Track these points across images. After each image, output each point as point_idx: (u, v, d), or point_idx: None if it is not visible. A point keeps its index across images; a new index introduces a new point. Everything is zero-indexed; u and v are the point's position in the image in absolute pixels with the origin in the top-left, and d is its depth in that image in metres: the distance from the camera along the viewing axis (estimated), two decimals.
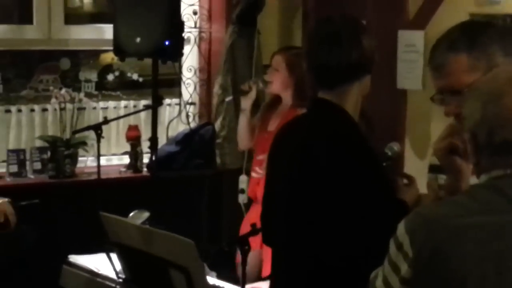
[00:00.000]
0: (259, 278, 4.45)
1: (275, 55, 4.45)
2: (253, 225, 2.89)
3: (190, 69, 5.63)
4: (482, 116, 1.79)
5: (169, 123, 5.61)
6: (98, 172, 4.64)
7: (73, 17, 5.58)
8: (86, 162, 5.34)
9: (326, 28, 2.64)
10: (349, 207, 2.44)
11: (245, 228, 4.48)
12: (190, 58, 5.60)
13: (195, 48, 5.65)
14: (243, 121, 4.51)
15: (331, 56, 2.55)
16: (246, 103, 4.41)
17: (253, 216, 4.45)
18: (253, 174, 4.52)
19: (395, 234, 1.82)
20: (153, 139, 4.90)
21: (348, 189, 2.44)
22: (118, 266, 3.14)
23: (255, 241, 4.36)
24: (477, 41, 2.14)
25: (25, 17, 5.40)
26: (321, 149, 2.49)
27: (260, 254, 4.45)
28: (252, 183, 4.55)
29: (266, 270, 4.40)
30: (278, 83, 4.37)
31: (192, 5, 5.56)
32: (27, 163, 5.16)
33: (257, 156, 4.53)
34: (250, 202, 4.65)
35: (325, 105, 2.60)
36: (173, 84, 5.73)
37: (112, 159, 5.56)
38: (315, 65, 2.62)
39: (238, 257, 4.37)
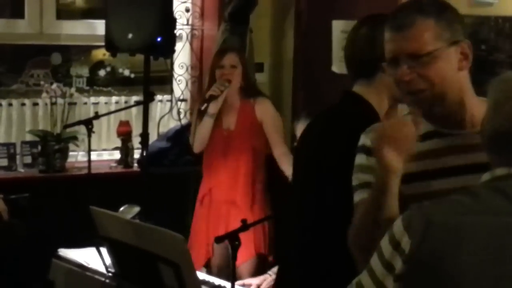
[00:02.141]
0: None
1: (225, 54, 4.51)
2: (244, 221, 2.90)
3: (182, 66, 5.64)
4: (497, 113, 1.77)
5: (160, 119, 5.62)
6: (89, 167, 4.64)
7: (65, 12, 5.58)
8: (76, 157, 5.34)
9: (362, 28, 2.74)
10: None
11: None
12: (182, 55, 5.61)
13: (187, 45, 5.66)
14: (209, 124, 4.48)
15: (363, 51, 2.63)
16: (216, 107, 4.44)
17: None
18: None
19: (390, 232, 1.76)
20: (144, 135, 4.90)
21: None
22: (108, 260, 3.15)
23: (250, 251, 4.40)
24: (446, 11, 2.14)
25: (17, 12, 5.39)
26: (342, 138, 2.52)
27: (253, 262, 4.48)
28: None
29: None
30: (237, 79, 4.49)
31: (185, 2, 5.57)
32: (17, 157, 5.16)
33: (213, 158, 4.55)
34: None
35: (351, 97, 2.68)
36: (165, 81, 5.73)
37: (103, 154, 5.56)
38: (351, 59, 2.71)
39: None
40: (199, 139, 4.52)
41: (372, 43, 2.53)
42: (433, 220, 1.70)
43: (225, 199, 4.49)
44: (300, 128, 3.91)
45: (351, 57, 2.68)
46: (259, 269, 4.38)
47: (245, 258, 4.35)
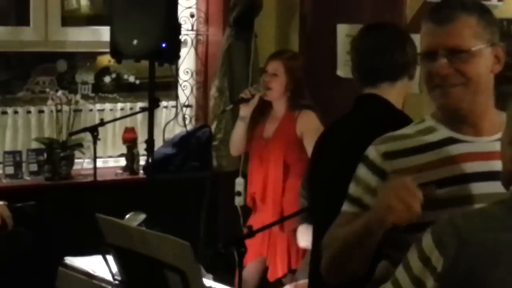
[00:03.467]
0: (261, 285, 4.44)
1: (270, 60, 4.45)
2: (250, 227, 2.90)
3: (187, 71, 5.64)
4: None
5: (165, 126, 5.61)
6: (95, 174, 4.64)
7: (70, 19, 5.59)
8: (82, 164, 5.34)
9: (378, 34, 2.84)
10: None
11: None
12: (187, 60, 5.61)
13: (192, 51, 5.66)
14: (241, 128, 4.45)
15: (380, 59, 2.75)
16: (247, 110, 4.39)
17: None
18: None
19: (419, 247, 1.72)
20: (150, 141, 4.90)
21: None
22: (114, 268, 3.14)
23: (257, 248, 4.37)
24: (488, 12, 2.17)
25: (22, 19, 5.40)
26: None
27: (261, 262, 4.44)
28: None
29: (274, 274, 4.39)
30: (277, 88, 4.40)
31: (189, 8, 5.57)
32: (23, 164, 5.16)
33: (252, 164, 4.52)
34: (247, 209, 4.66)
35: (372, 98, 2.77)
36: (170, 87, 5.73)
37: (109, 161, 5.55)
38: (364, 66, 2.82)
39: None
40: (233, 143, 4.52)
41: (403, 48, 2.74)
42: (467, 239, 1.64)
43: (258, 208, 4.47)
44: None
45: (362, 67, 2.78)
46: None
47: (280, 274, 4.33)
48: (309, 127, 4.31)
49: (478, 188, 2.08)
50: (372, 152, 2.18)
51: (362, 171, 2.19)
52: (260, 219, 4.32)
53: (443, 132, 2.14)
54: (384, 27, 2.93)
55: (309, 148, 4.24)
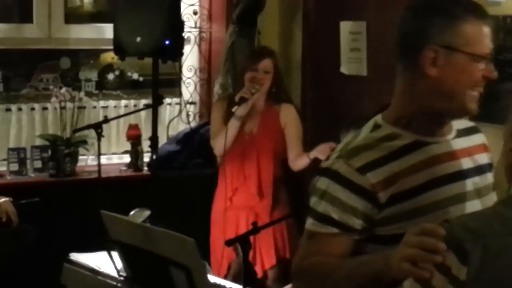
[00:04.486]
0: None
1: (262, 59, 4.48)
2: (254, 224, 2.90)
3: (190, 68, 5.65)
4: None
5: (169, 122, 5.62)
6: (99, 171, 4.65)
7: (73, 16, 5.60)
8: (86, 161, 5.35)
9: None
10: None
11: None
12: (190, 57, 5.62)
13: (195, 48, 5.66)
14: (236, 127, 4.46)
15: None
16: (245, 109, 4.41)
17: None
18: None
19: None
20: (154, 138, 4.91)
21: None
22: (119, 264, 3.15)
23: None
24: None
25: (26, 16, 5.41)
26: None
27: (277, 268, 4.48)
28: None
29: (261, 266, 4.42)
30: (267, 85, 4.47)
31: (192, 5, 5.57)
32: (28, 161, 5.17)
33: (233, 160, 4.52)
34: None
35: None
36: (174, 84, 5.74)
37: (113, 158, 5.57)
38: None
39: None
40: (224, 142, 4.45)
41: None
42: (492, 244, 1.59)
43: (245, 204, 4.47)
44: None
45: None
46: (283, 275, 4.38)
47: (267, 265, 4.36)
48: (291, 119, 4.52)
49: (454, 188, 2.07)
50: (343, 167, 2.04)
51: (333, 187, 2.04)
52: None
53: (407, 137, 2.08)
54: None
55: (289, 139, 4.48)
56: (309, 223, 2.09)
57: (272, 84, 4.49)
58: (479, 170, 2.16)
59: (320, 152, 4.24)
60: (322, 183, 2.07)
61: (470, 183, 2.11)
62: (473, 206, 2.08)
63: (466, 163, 2.12)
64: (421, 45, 2.03)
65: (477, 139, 2.22)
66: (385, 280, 1.83)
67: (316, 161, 4.29)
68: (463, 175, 2.10)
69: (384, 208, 2.01)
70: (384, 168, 2.02)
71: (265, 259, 4.42)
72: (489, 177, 2.20)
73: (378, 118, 2.14)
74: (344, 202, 2.02)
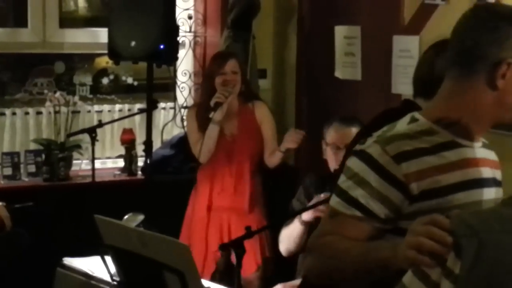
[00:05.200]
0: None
1: (227, 61, 4.51)
2: (248, 228, 2.90)
3: (185, 73, 5.65)
4: None
5: (163, 127, 5.62)
6: (93, 175, 4.64)
7: (68, 20, 5.59)
8: (80, 165, 5.34)
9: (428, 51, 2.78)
10: None
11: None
12: (185, 62, 5.62)
13: (190, 52, 5.66)
14: (216, 132, 4.46)
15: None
16: (221, 114, 4.43)
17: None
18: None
19: None
20: (148, 143, 4.91)
21: None
22: (113, 269, 3.14)
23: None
24: None
25: (20, 21, 5.41)
26: None
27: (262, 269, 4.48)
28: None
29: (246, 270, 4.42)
30: (238, 86, 4.54)
31: (187, 9, 5.57)
32: (22, 166, 5.16)
33: (217, 163, 4.54)
34: None
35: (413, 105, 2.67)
36: (168, 88, 5.74)
37: (107, 162, 5.56)
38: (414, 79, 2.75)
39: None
40: (207, 148, 4.47)
41: (432, 66, 2.59)
42: (487, 240, 1.60)
43: (229, 206, 4.49)
44: (335, 132, 3.92)
45: (414, 76, 2.74)
46: (268, 275, 4.40)
47: (253, 268, 4.37)
48: (266, 117, 4.64)
49: (482, 193, 2.10)
50: (379, 153, 2.04)
51: (364, 171, 2.04)
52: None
53: (445, 135, 2.10)
54: None
55: (265, 137, 4.58)
56: (335, 201, 2.09)
57: (241, 83, 4.55)
58: (496, 183, 2.20)
59: (290, 142, 4.37)
60: (353, 163, 2.08)
61: (492, 192, 2.15)
62: None
63: (488, 172, 2.16)
64: (496, 57, 2.03)
65: (494, 155, 2.26)
66: (391, 268, 1.84)
67: (288, 152, 4.48)
68: (489, 182, 2.14)
69: (414, 202, 2.01)
70: (420, 160, 2.03)
71: (251, 260, 4.42)
72: (501, 193, 2.22)
73: (416, 113, 2.15)
74: (374, 188, 2.02)
